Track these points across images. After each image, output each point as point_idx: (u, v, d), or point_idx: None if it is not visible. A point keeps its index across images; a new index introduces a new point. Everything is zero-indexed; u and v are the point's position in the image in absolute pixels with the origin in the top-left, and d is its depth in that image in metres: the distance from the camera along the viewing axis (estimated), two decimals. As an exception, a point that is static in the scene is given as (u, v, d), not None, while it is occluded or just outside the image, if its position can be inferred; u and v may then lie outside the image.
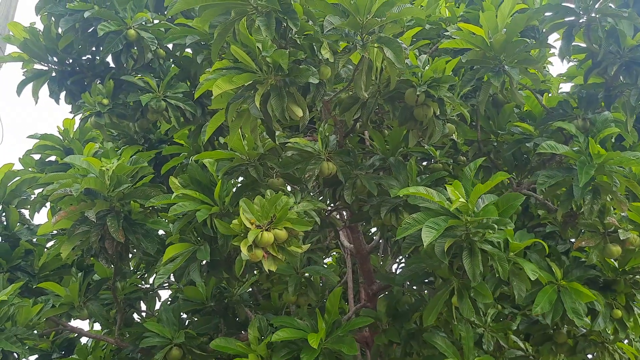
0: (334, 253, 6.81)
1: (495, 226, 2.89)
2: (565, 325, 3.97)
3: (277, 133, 3.67)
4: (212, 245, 3.32)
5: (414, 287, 4.71)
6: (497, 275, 3.12)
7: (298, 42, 2.85)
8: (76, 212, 3.43)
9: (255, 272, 4.13)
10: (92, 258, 4.09)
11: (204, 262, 3.40)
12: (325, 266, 6.85)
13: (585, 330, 4.07)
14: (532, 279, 3.16)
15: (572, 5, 3.30)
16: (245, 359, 3.37)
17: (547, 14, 3.40)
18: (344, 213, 5.08)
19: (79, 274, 4.09)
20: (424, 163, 4.79)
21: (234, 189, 3.37)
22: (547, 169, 3.60)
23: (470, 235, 3.00)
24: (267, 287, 4.76)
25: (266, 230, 2.96)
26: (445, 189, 3.08)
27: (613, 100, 3.65)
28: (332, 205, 4.44)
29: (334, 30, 2.91)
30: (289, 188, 3.86)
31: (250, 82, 2.70)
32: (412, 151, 4.23)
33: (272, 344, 3.47)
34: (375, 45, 3.00)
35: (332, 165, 3.52)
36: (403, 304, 4.18)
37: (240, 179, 3.77)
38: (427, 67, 3.39)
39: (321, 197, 4.40)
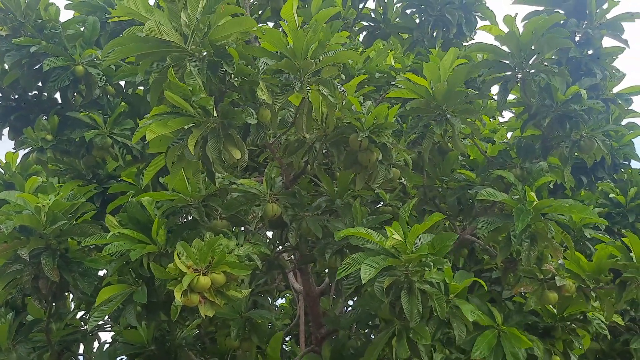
0: (288, 295, 6.73)
1: (431, 264, 2.93)
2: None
3: (222, 175, 3.68)
4: (150, 286, 3.23)
5: (364, 330, 4.69)
6: (435, 315, 3.14)
7: (236, 84, 2.89)
8: (9, 250, 3.31)
9: (197, 314, 4.03)
10: (29, 298, 3.92)
11: (142, 304, 3.30)
12: (277, 308, 6.76)
13: (527, 377, 4.09)
14: (470, 319, 3.19)
15: (507, 62, 3.48)
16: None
17: (484, 69, 3.57)
18: (295, 255, 5.06)
19: (10, 314, 3.90)
20: (378, 206, 4.86)
21: (174, 229, 3.31)
22: (487, 215, 3.70)
23: (409, 275, 3.02)
24: (211, 331, 4.63)
25: (203, 274, 2.91)
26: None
27: (549, 150, 3.82)
28: (281, 247, 4.42)
29: (273, 73, 2.96)
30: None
31: (190, 125, 2.71)
32: (361, 194, 4.29)
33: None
34: (313, 86, 3.06)
35: (277, 207, 3.52)
36: (348, 348, 4.14)
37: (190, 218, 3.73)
38: (370, 114, 3.48)
39: (270, 239, 4.38)
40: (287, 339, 6.47)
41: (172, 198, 3.35)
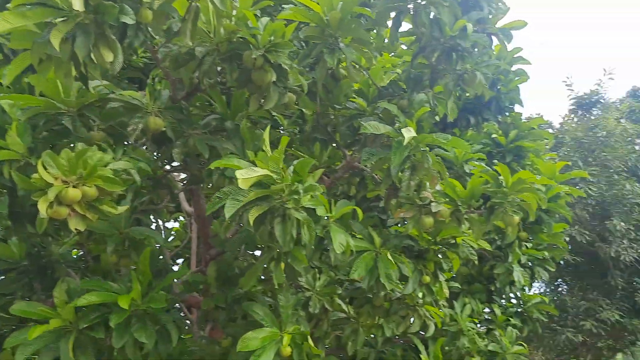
0: (181, 218, 6.63)
1: (301, 191, 2.95)
2: (382, 290, 4.27)
3: (102, 84, 3.43)
4: (13, 196, 3.00)
5: (252, 252, 4.76)
6: (308, 242, 3.19)
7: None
8: None
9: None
10: None
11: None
12: (169, 230, 6.66)
13: (400, 295, 4.44)
14: (338, 251, 3.31)
15: (400, -8, 3.47)
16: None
17: (378, -1, 3.53)
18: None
19: None
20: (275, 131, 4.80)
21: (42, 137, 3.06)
22: (372, 145, 3.79)
23: (284, 203, 3.03)
24: (93, 248, 4.47)
25: (73, 186, 2.75)
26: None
27: (437, 81, 3.93)
28: (169, 165, 4.28)
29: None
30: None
31: (55, 18, 2.43)
32: (255, 116, 4.21)
33: (84, 307, 3.28)
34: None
35: (160, 121, 3.36)
36: (234, 268, 4.19)
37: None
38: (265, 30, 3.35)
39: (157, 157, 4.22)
40: (179, 261, 6.46)
41: (40, 104, 3.06)
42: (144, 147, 3.80)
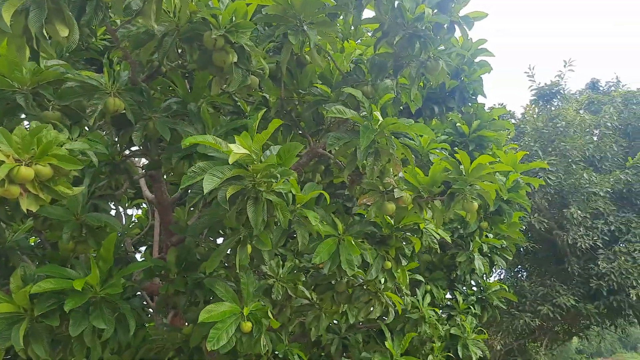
0: (144, 205, 6.49)
1: (278, 175, 2.94)
2: (344, 276, 4.30)
3: (59, 63, 3.31)
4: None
5: (214, 238, 4.71)
6: (278, 224, 3.21)
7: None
8: None
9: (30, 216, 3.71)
10: None
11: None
12: (135, 219, 6.52)
13: (362, 281, 4.48)
14: (313, 223, 3.32)
15: (362, -25, 3.46)
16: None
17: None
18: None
19: None
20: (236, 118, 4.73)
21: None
22: (337, 131, 3.79)
23: (256, 185, 3.03)
24: (52, 236, 4.33)
25: (26, 165, 2.65)
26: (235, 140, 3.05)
27: (401, 69, 3.95)
28: (128, 150, 4.17)
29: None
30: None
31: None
32: (218, 101, 4.15)
33: (40, 294, 3.17)
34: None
35: (119, 102, 3.27)
36: (194, 254, 4.13)
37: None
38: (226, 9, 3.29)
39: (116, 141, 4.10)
40: (141, 248, 6.33)
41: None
42: (103, 131, 3.69)
